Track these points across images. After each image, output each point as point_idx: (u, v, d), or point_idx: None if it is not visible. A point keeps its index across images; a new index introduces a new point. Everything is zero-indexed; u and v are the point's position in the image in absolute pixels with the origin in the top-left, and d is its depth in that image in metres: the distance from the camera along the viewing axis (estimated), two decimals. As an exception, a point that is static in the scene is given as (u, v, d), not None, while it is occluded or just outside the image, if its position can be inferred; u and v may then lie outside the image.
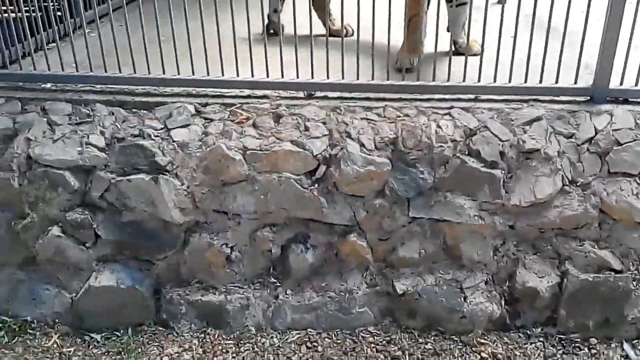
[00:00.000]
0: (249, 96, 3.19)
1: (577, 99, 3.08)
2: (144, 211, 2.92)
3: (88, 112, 3.10)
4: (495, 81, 3.08)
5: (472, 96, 3.12)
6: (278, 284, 3.02)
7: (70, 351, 2.89)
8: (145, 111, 3.11)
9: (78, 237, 2.97)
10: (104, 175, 2.93)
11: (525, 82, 3.07)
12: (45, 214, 2.96)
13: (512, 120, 2.97)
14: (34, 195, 2.94)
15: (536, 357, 2.80)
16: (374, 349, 2.86)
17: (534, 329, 2.93)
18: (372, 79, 3.14)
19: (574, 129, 2.94)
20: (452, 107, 3.05)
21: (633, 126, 2.90)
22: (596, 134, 2.89)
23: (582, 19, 2.92)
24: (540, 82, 3.07)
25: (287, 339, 2.93)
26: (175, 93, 3.21)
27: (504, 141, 2.89)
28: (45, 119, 3.07)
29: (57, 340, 2.93)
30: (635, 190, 2.80)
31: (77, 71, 3.24)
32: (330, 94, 3.17)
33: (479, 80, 3.09)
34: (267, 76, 3.15)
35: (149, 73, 3.18)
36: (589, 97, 3.07)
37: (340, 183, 2.87)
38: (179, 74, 3.18)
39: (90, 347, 2.91)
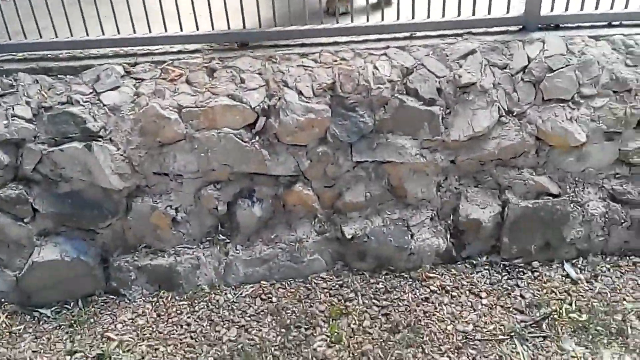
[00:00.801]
0: (179, 51, 3.08)
1: (510, 28, 3.09)
2: (81, 180, 2.83)
3: (10, 82, 2.95)
4: (429, 17, 3.06)
5: (407, 34, 3.09)
6: (227, 241, 3.01)
7: (20, 329, 2.83)
8: (71, 76, 2.98)
9: (15, 213, 2.87)
10: (35, 147, 2.81)
11: (459, 15, 3.06)
12: (-24, 193, 2.84)
13: (448, 56, 2.96)
14: (-39, 173, 2.82)
15: (482, 285, 2.90)
16: (327, 294, 2.90)
17: (479, 259, 3.01)
18: (305, 24, 3.06)
19: (508, 59, 2.95)
20: (388, 47, 3.02)
21: (565, 52, 2.93)
22: (529, 62, 2.91)
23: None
24: (473, 14, 3.06)
25: (241, 294, 2.94)
26: (101, 55, 3.07)
27: (440, 77, 2.89)
28: (-36, 93, 2.91)
29: (5, 320, 2.87)
30: (569, 115, 2.86)
31: (-5, 40, 3.06)
32: (265, 43, 3.09)
33: (412, 18, 3.05)
34: (197, 29, 3.04)
35: (72, 36, 3.04)
36: (521, 26, 3.08)
37: (282, 134, 2.83)
38: (103, 34, 3.03)
39: (41, 322, 2.86)
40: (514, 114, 2.88)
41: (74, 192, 2.86)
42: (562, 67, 2.87)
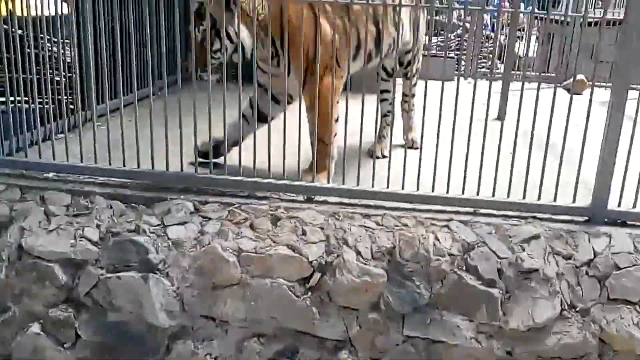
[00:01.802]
0: (248, 196, 3.20)
1: (576, 218, 3.08)
2: (130, 312, 2.84)
3: (86, 204, 3.10)
4: (493, 196, 3.10)
5: (470, 209, 3.13)
6: (262, 397, 2.89)
7: None
8: (144, 206, 3.11)
9: (58, 336, 2.87)
10: (94, 271, 2.88)
11: (524, 198, 3.09)
12: (27, 309, 2.88)
13: (511, 237, 2.95)
14: (19, 288, 2.88)
15: None
16: None
17: None
18: (372, 186, 3.15)
19: (573, 249, 2.91)
20: (450, 220, 3.04)
21: (632, 250, 2.87)
22: (595, 256, 2.85)
23: (580, 138, 2.97)
24: (539, 199, 3.08)
25: None
26: (176, 189, 3.21)
27: (502, 258, 2.86)
28: (42, 209, 3.06)
29: None
30: (636, 319, 2.73)
31: (82, 162, 3.26)
32: (330, 199, 3.18)
33: (477, 194, 3.10)
34: (269, 175, 3.17)
35: (153, 168, 3.21)
36: (587, 218, 3.07)
37: (335, 293, 2.81)
38: (182, 170, 3.20)
39: None
40: (577, 309, 2.77)
41: (121, 323, 2.85)
42: (629, 266, 2.80)
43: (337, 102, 3.29)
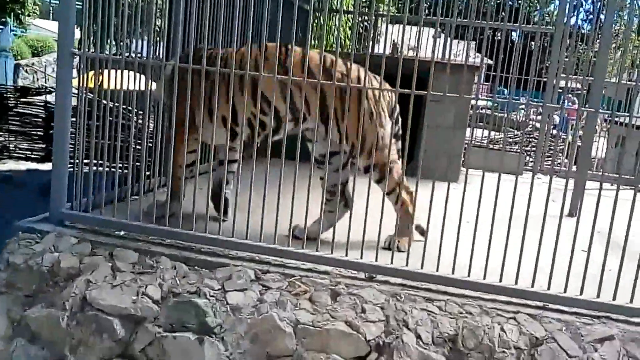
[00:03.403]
0: (310, 269, 3.18)
1: (654, 322, 2.89)
2: (182, 373, 2.80)
3: (152, 263, 3.16)
4: (565, 291, 2.96)
5: (540, 303, 2.99)
6: None
7: None
8: (206, 270, 3.14)
9: (107, 391, 2.84)
10: (152, 329, 2.88)
11: (598, 297, 2.94)
12: None
13: (582, 336, 2.79)
14: (78, 338, 2.91)
15: None
16: None
17: None
18: (437, 270, 3.09)
19: (651, 354, 2.70)
20: (518, 312, 2.92)
21: None
22: (676, 366, 2.64)
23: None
24: (614, 299, 2.92)
25: None
26: (239, 257, 3.25)
27: (572, 357, 2.70)
28: (110, 264, 3.14)
29: None
30: None
31: (152, 223, 3.37)
32: (392, 279, 3.12)
33: (548, 288, 2.98)
34: (331, 252, 3.17)
35: (219, 234, 3.27)
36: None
37: (392, 375, 2.69)
38: (246, 238, 3.25)
39: None
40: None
41: (172, 383, 2.81)
42: None
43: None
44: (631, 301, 2.91)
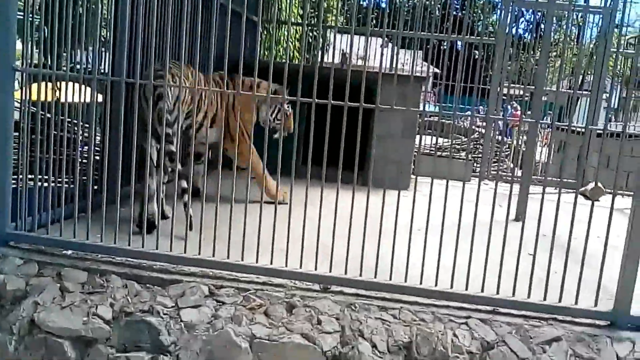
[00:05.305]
0: (264, 283, 3.17)
1: (598, 322, 3.01)
2: (137, 394, 2.74)
3: (102, 282, 3.08)
4: (513, 295, 3.06)
5: (489, 308, 3.07)
6: None
7: None
8: (159, 287, 3.09)
9: (59, 414, 2.75)
10: (103, 350, 2.81)
11: (544, 299, 3.05)
12: (33, 384, 2.78)
13: (531, 338, 2.88)
14: (26, 362, 2.80)
15: None
16: None
17: None
18: (390, 279, 3.13)
19: (595, 353, 2.82)
20: (469, 317, 2.99)
21: (658, 359, 2.78)
22: (619, 362, 2.76)
23: (601, 243, 2.99)
24: (560, 301, 3.04)
25: None
26: (191, 272, 3.20)
27: (522, 359, 2.77)
28: (58, 285, 3.04)
29: None
30: None
31: (101, 241, 3.29)
32: (347, 290, 3.14)
33: (497, 293, 3.06)
34: (286, 265, 3.17)
35: (170, 251, 3.22)
36: (609, 322, 3.01)
37: (348, 387, 2.70)
38: (199, 254, 3.21)
39: None
40: (605, 416, 2.64)
41: (126, 405, 2.74)
42: (656, 375, 2.70)
43: None
44: (576, 302, 3.02)
